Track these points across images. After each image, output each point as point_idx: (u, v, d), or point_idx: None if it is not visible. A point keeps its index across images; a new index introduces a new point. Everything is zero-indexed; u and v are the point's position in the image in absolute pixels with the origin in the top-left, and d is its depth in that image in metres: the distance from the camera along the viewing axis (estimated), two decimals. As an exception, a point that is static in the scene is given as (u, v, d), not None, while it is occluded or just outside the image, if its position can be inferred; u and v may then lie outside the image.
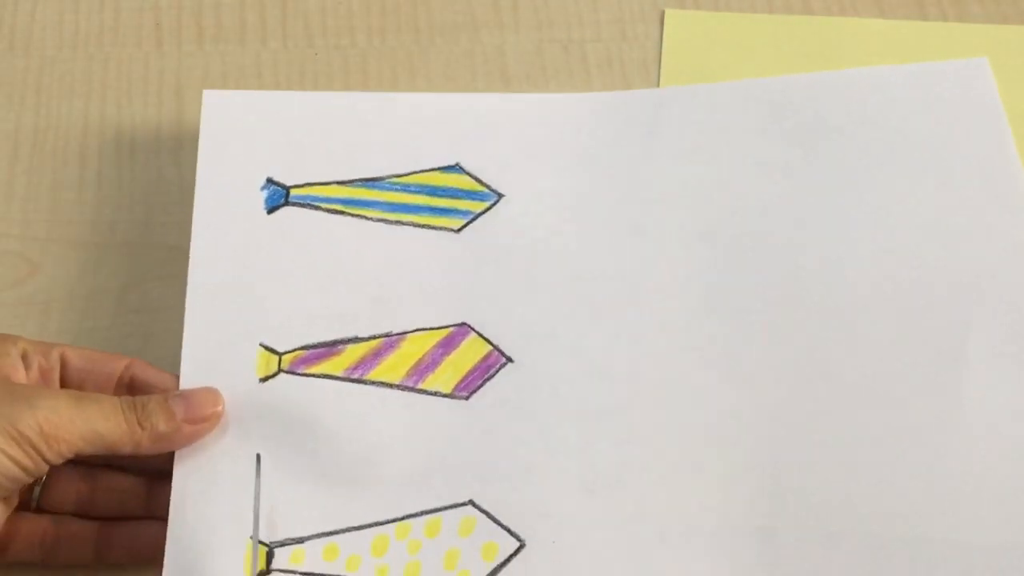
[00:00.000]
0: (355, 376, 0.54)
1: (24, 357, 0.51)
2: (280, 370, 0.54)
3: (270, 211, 0.58)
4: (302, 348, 0.55)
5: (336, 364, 0.54)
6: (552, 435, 0.53)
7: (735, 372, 0.54)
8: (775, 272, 0.57)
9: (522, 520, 0.51)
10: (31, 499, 0.52)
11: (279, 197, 0.58)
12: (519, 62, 0.66)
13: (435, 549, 0.51)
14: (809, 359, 0.55)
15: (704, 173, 0.59)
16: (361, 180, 0.59)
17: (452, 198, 0.59)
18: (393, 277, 0.56)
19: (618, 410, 0.53)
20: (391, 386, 0.54)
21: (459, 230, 0.58)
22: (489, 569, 0.50)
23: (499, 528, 0.51)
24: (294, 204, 0.58)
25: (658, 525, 0.51)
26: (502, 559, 0.50)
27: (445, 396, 0.54)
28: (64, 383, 0.52)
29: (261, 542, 0.50)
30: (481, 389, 0.54)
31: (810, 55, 0.64)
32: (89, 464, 0.52)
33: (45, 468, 0.48)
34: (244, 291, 0.56)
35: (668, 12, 0.66)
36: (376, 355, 0.55)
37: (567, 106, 0.62)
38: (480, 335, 0.55)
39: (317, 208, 0.58)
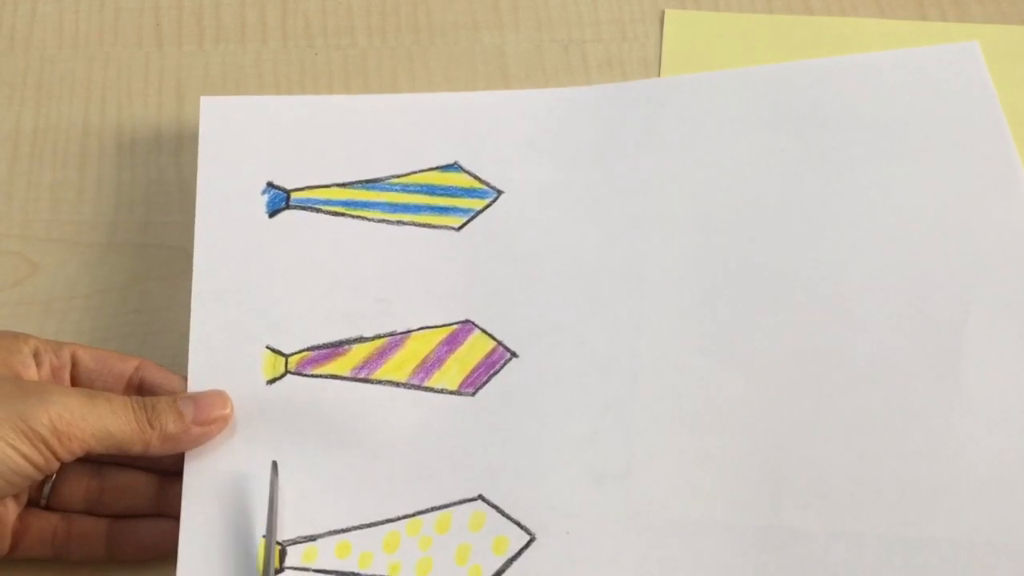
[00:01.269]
0: (361, 376, 0.54)
1: (35, 355, 0.52)
2: (287, 371, 0.54)
3: (271, 215, 0.58)
4: (308, 349, 0.55)
5: (342, 364, 0.55)
6: (559, 428, 0.53)
7: (738, 360, 0.55)
8: (776, 260, 0.57)
9: (532, 513, 0.51)
10: (41, 496, 0.52)
11: (280, 201, 0.58)
12: (519, 62, 0.66)
13: (446, 544, 0.51)
14: (811, 346, 0.55)
15: (702, 162, 0.60)
16: (361, 182, 0.59)
17: (452, 196, 0.59)
18: (396, 277, 0.57)
19: (623, 402, 0.54)
20: (397, 384, 0.54)
21: (460, 228, 0.58)
22: (500, 563, 0.50)
23: (509, 522, 0.51)
24: (295, 207, 0.58)
25: (667, 514, 0.51)
26: (513, 553, 0.51)
27: (451, 393, 0.54)
28: (74, 382, 0.53)
29: (275, 543, 0.50)
30: (487, 385, 0.54)
31: (810, 55, 0.64)
32: (99, 462, 0.53)
33: (56, 465, 0.48)
34: (248, 294, 0.56)
35: (668, 12, 0.66)
36: (381, 354, 0.55)
37: (563, 100, 0.62)
38: (484, 331, 0.55)
39: (318, 211, 0.58)
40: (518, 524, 0.51)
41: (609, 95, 0.62)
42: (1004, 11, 0.66)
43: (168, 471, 0.52)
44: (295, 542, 0.51)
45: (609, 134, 0.61)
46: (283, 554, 0.51)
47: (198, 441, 0.51)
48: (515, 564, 0.50)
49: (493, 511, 0.51)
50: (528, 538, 0.51)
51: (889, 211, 0.58)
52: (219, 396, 0.52)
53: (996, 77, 0.63)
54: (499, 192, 0.59)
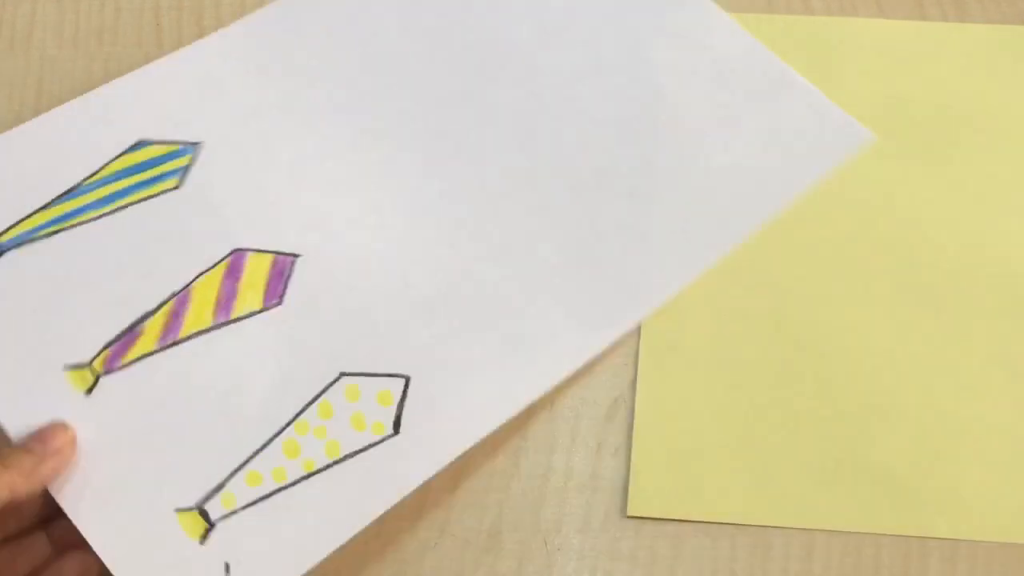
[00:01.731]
0: (170, 341, 0.55)
1: None
2: (98, 376, 0.54)
3: None
4: (105, 347, 0.55)
5: (145, 342, 0.55)
6: (370, 287, 0.57)
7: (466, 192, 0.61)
8: (482, 98, 0.63)
9: (395, 360, 0.55)
10: None
11: None
12: (519, 62, 0.66)
13: (339, 422, 0.54)
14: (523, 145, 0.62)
15: (380, 49, 0.64)
16: (58, 197, 0.58)
17: (153, 168, 0.59)
18: (144, 251, 0.57)
19: (398, 256, 0.58)
20: (208, 331, 0.55)
21: (179, 186, 0.59)
22: (394, 409, 0.54)
23: (380, 378, 0.55)
24: (10, 249, 0.57)
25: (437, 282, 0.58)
26: (399, 396, 0.55)
27: (261, 312, 0.56)
28: None
29: (189, 509, 0.51)
30: (288, 289, 0.57)
31: (810, 55, 0.64)
32: None
33: None
34: (22, 331, 0.55)
35: (668, 12, 0.66)
36: (175, 315, 0.56)
37: (225, 41, 0.64)
38: (256, 251, 0.57)
39: (34, 240, 0.57)
40: (389, 375, 0.55)
41: (268, 19, 0.65)
42: (1004, 11, 0.66)
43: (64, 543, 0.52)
44: (207, 498, 0.52)
45: (277, 57, 0.63)
46: (205, 513, 0.51)
47: (58, 470, 0.51)
48: (407, 403, 0.54)
49: (361, 377, 0.54)
50: (404, 379, 0.55)
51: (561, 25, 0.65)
52: (53, 425, 0.52)
53: (996, 77, 0.63)
54: (196, 143, 0.60)
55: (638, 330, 0.58)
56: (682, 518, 0.54)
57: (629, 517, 0.54)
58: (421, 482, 0.53)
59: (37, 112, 0.64)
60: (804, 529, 0.53)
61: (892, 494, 0.54)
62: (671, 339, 0.58)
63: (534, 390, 0.55)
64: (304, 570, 0.51)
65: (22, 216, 0.58)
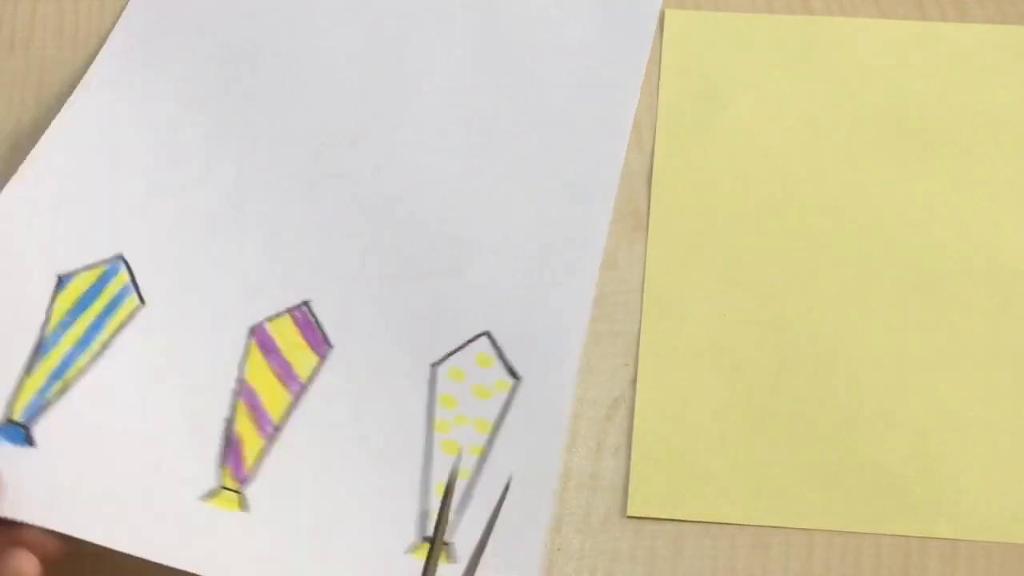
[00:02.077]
0: (272, 431, 0.54)
1: None
2: (240, 490, 0.53)
3: None
4: (221, 465, 0.53)
5: (252, 443, 0.54)
6: (385, 286, 0.58)
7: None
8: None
9: (464, 324, 0.56)
10: None
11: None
12: (519, 62, 0.66)
13: (468, 402, 0.55)
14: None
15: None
16: (33, 355, 0.54)
17: (99, 296, 0.56)
18: (169, 370, 0.55)
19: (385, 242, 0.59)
20: (297, 404, 0.55)
21: (144, 303, 0.56)
22: (502, 362, 0.56)
23: (466, 347, 0.56)
24: (34, 421, 0.52)
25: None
26: (494, 351, 0.56)
27: (323, 362, 0.56)
28: None
29: (419, 545, 0.52)
30: (327, 331, 0.56)
31: (810, 55, 0.64)
32: None
33: None
34: (113, 479, 0.51)
35: (668, 12, 0.66)
36: (256, 408, 0.54)
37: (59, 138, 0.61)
38: (271, 317, 0.57)
39: (50, 405, 0.53)
40: (470, 340, 0.56)
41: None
42: (1004, 11, 0.66)
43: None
44: (423, 528, 0.52)
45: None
46: (448, 545, 0.52)
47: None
48: (505, 351, 0.56)
49: (450, 357, 0.56)
50: (485, 334, 0.56)
51: None
52: None
53: (996, 77, 0.63)
54: (117, 256, 0.58)
55: (638, 330, 0.58)
56: (682, 518, 0.54)
57: (629, 517, 0.54)
58: (573, 391, 0.55)
59: (37, 112, 0.64)
60: (804, 529, 0.54)
61: (892, 494, 0.54)
62: (671, 339, 0.58)
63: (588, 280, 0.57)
64: (545, 527, 0.52)
65: (14, 387, 0.53)
